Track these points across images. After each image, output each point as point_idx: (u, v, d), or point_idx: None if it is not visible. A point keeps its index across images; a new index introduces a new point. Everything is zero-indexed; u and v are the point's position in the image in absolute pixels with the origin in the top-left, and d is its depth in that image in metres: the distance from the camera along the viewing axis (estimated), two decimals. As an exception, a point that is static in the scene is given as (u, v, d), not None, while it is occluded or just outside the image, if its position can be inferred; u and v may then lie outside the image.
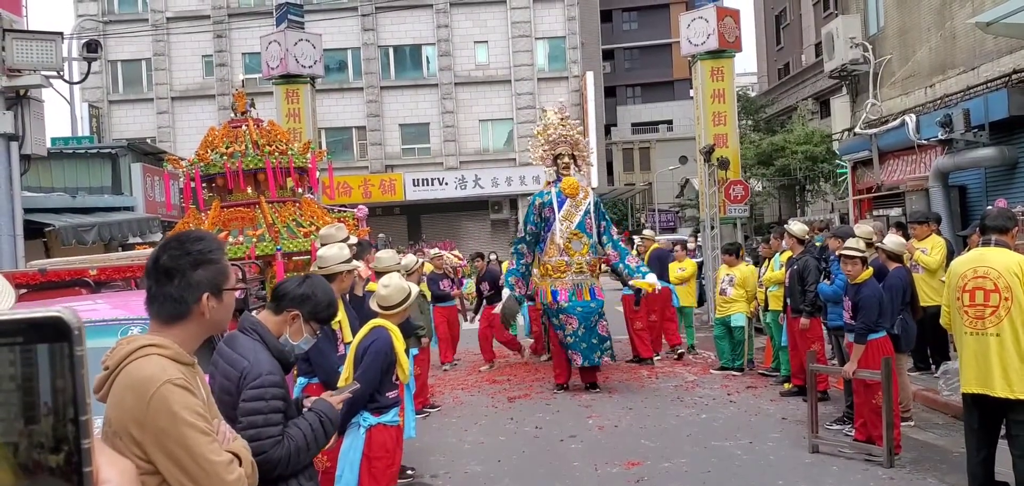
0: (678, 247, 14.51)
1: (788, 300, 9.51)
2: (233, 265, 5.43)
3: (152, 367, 2.13)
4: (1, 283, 1.58)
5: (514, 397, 10.25)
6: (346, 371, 4.75)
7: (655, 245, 13.57)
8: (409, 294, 5.11)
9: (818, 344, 9.09)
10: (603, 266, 11.30)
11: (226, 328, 2.42)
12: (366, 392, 4.70)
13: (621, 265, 10.83)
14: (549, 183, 11.04)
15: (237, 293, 2.53)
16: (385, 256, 7.65)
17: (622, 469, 7.01)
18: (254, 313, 3.51)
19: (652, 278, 10.69)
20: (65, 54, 12.30)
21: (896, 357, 7.35)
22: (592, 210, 10.75)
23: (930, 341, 9.64)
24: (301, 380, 5.35)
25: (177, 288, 2.26)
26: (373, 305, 5.12)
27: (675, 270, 13.28)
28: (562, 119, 11.25)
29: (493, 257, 23.13)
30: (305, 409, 3.22)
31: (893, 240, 8.28)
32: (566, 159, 10.89)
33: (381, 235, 22.56)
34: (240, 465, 2.26)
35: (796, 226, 9.82)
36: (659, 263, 12.65)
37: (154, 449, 2.10)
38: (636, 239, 15.15)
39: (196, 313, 2.28)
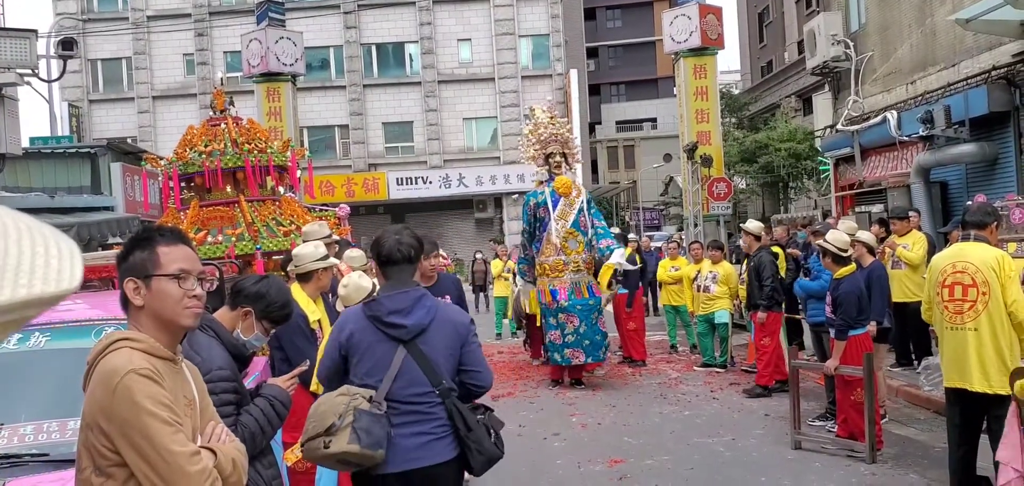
0: (672, 244, 14.37)
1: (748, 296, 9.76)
2: (212, 264, 5.37)
3: (119, 359, 2.14)
4: None
5: (498, 396, 10.20)
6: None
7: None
8: (372, 290, 5.05)
9: (772, 339, 9.53)
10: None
11: (188, 322, 2.34)
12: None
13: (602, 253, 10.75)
14: (541, 183, 11.03)
15: (207, 285, 2.47)
16: (355, 253, 7.51)
17: (605, 467, 6.99)
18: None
19: (617, 255, 10.43)
20: (41, 52, 12.15)
21: (876, 348, 7.42)
22: (585, 208, 10.77)
23: (912, 336, 9.69)
24: (282, 378, 5.30)
25: (120, 279, 2.29)
26: (339, 307, 5.09)
27: (668, 268, 13.12)
28: (552, 117, 11.28)
29: (479, 256, 23.15)
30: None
31: (864, 234, 8.35)
32: (558, 158, 10.92)
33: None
34: (217, 458, 2.22)
35: (752, 224, 10.15)
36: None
37: (119, 439, 2.08)
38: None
39: (132, 303, 2.24)
